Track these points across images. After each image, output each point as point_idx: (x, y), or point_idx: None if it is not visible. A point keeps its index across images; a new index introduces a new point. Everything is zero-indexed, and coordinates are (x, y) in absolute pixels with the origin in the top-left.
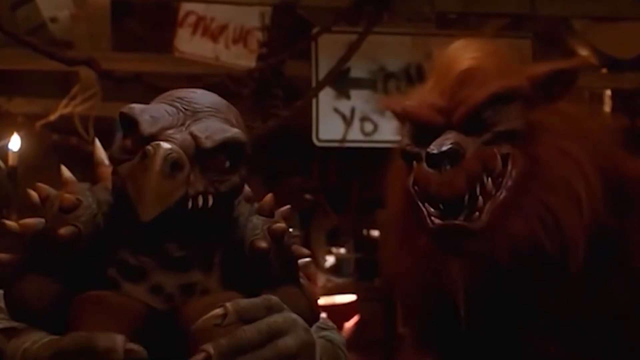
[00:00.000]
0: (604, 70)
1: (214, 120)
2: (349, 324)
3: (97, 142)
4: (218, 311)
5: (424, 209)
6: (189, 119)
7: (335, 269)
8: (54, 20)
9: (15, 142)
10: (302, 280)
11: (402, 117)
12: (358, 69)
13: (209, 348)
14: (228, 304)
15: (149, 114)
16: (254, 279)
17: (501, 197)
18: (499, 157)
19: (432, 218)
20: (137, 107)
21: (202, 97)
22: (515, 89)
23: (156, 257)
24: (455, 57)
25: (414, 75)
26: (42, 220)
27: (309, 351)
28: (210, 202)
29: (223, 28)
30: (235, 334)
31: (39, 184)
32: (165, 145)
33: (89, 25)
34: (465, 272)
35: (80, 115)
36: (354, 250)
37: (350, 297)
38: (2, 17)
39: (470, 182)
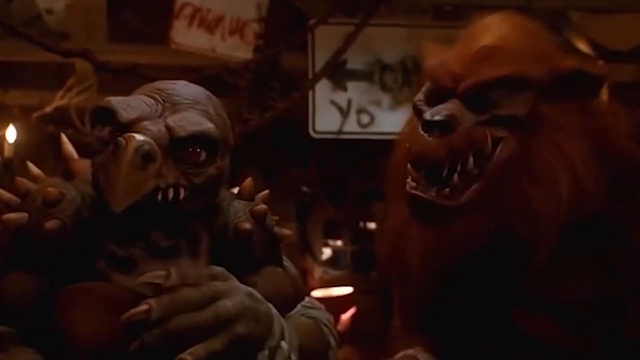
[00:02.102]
0: (601, 63)
1: (191, 112)
2: (346, 316)
3: (64, 137)
4: (161, 272)
5: (408, 170)
6: (167, 111)
7: (331, 262)
8: (49, 11)
9: (11, 134)
10: (284, 262)
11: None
12: (355, 61)
13: (152, 302)
14: (172, 269)
15: (127, 104)
16: (238, 261)
17: (480, 182)
18: (489, 139)
19: (410, 182)
20: (114, 99)
21: (182, 88)
22: (528, 78)
23: (144, 248)
24: (487, 27)
25: (410, 67)
26: (26, 214)
27: (253, 315)
28: (182, 194)
29: (219, 20)
30: (176, 292)
31: (19, 178)
32: (138, 136)
33: (85, 16)
34: (437, 247)
35: (77, 107)
36: (350, 243)
37: (346, 290)
38: None
39: (451, 156)
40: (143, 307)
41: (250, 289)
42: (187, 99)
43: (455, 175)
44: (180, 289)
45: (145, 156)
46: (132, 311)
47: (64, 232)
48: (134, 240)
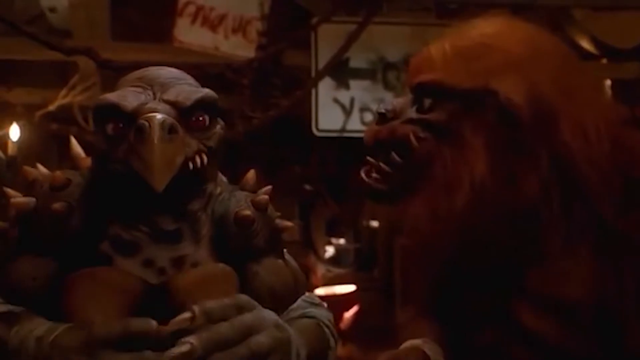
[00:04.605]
0: (604, 60)
1: (180, 87)
2: (349, 314)
3: (73, 140)
4: (186, 315)
5: None
6: (158, 92)
7: (334, 260)
8: (52, 9)
9: (14, 132)
10: (285, 255)
11: None
12: (357, 59)
13: (192, 340)
14: (195, 307)
15: (122, 96)
16: (239, 250)
17: (403, 172)
18: (412, 137)
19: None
20: (108, 95)
21: (160, 71)
22: (448, 88)
23: (149, 231)
24: (464, 31)
25: None
26: (33, 199)
27: (282, 349)
28: (205, 159)
29: (222, 18)
30: (213, 329)
31: (26, 167)
32: (157, 114)
33: (88, 14)
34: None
35: (80, 105)
36: (353, 241)
37: (349, 288)
38: (0, 7)
39: (375, 145)
40: (185, 347)
41: (275, 318)
42: (170, 78)
43: (382, 165)
44: (215, 326)
45: (171, 129)
46: (175, 352)
47: (71, 214)
48: (139, 223)
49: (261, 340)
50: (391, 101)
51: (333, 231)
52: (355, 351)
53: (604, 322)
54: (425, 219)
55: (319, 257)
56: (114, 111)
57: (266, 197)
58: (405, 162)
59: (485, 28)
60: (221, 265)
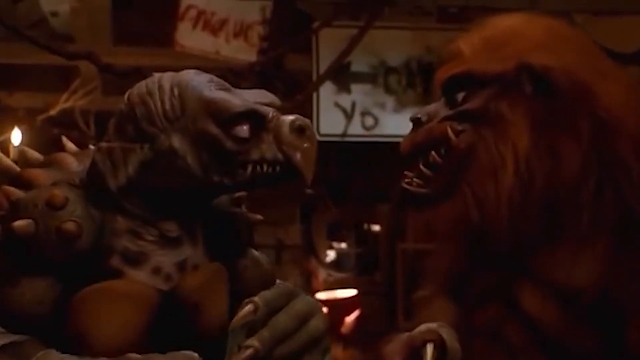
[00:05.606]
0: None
1: (245, 91)
2: (350, 318)
3: (30, 151)
4: (250, 307)
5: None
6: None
7: (336, 264)
8: (54, 14)
9: (16, 136)
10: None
11: None
12: (359, 63)
13: (255, 342)
14: (256, 299)
15: (242, 99)
16: (230, 247)
17: (444, 171)
18: (450, 132)
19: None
20: (236, 101)
21: (205, 75)
22: (479, 75)
23: (155, 239)
24: (481, 26)
25: (414, 69)
26: (31, 221)
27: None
28: None
29: (224, 22)
30: (272, 325)
31: (6, 187)
32: (296, 115)
33: (89, 19)
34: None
35: (81, 109)
36: (354, 245)
37: (351, 292)
38: (3, 11)
39: (413, 150)
40: (250, 350)
41: (316, 300)
42: (223, 82)
43: (422, 168)
44: (273, 321)
45: None
46: (241, 358)
47: (81, 233)
48: (146, 232)
49: (317, 324)
50: (424, 108)
51: (334, 235)
52: (357, 355)
53: (605, 314)
54: (473, 208)
55: (320, 261)
56: (248, 115)
57: (243, 193)
58: (446, 161)
59: (509, 20)
60: (216, 263)
